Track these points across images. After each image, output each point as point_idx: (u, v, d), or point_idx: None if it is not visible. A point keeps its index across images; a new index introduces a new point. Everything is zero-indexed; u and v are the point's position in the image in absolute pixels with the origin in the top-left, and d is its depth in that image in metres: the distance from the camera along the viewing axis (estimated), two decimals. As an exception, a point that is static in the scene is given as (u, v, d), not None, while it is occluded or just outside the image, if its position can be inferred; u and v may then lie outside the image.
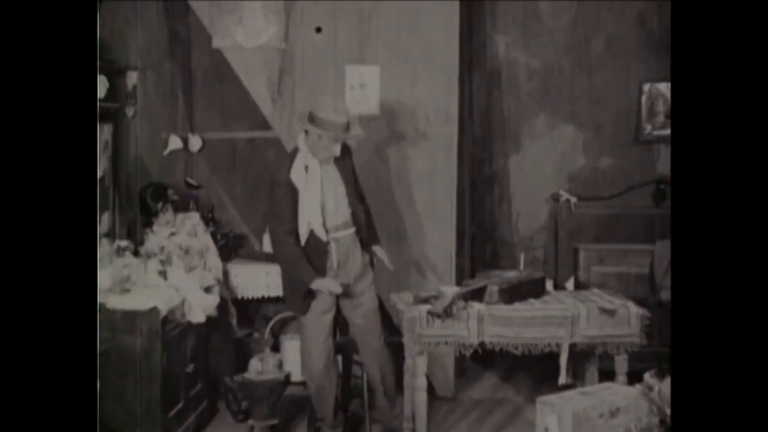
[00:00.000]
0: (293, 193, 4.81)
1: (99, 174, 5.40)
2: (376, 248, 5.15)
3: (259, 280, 6.15)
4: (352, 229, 4.99)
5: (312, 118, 4.76)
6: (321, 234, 4.85)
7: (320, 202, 4.84)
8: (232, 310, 5.83)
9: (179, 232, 5.61)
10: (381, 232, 5.32)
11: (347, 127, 4.80)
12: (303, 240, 4.85)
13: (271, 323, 6.46)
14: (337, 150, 4.85)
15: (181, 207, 5.90)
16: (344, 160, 4.96)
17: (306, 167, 4.81)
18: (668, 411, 3.74)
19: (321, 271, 4.85)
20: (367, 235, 5.06)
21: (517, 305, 4.69)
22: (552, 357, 4.68)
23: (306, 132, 4.85)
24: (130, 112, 5.86)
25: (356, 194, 5.03)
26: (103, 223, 5.48)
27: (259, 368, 5.04)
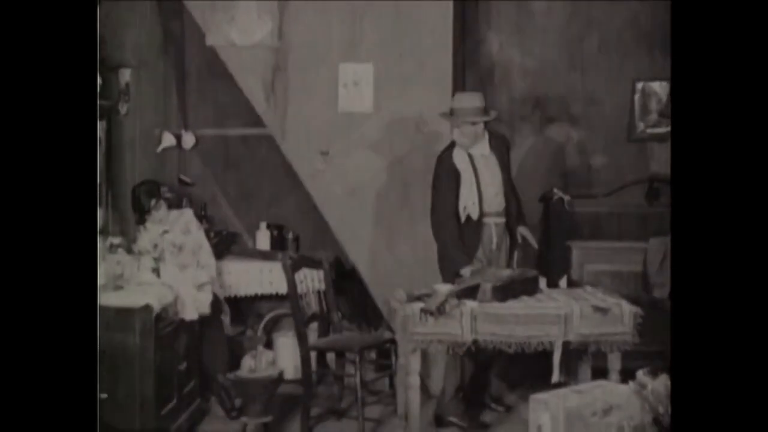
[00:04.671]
0: (457, 179, 5.25)
1: (92, 171, 5.38)
2: (521, 228, 5.49)
3: (252, 278, 6.15)
4: (504, 219, 5.38)
5: (452, 112, 5.30)
6: (475, 217, 5.25)
7: (478, 188, 5.26)
8: (225, 307, 5.82)
9: (172, 230, 5.58)
10: (376, 231, 5.33)
11: (484, 111, 5.28)
12: (462, 219, 5.25)
13: (264, 321, 6.47)
14: (480, 133, 5.28)
15: (174, 204, 5.89)
16: (502, 150, 5.43)
17: (470, 156, 5.29)
18: (661, 409, 3.75)
19: (471, 256, 5.22)
20: (516, 218, 5.47)
21: (510, 303, 4.69)
22: (545, 355, 4.68)
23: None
24: (123, 109, 5.85)
25: (509, 184, 5.45)
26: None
27: (252, 366, 5.02)
